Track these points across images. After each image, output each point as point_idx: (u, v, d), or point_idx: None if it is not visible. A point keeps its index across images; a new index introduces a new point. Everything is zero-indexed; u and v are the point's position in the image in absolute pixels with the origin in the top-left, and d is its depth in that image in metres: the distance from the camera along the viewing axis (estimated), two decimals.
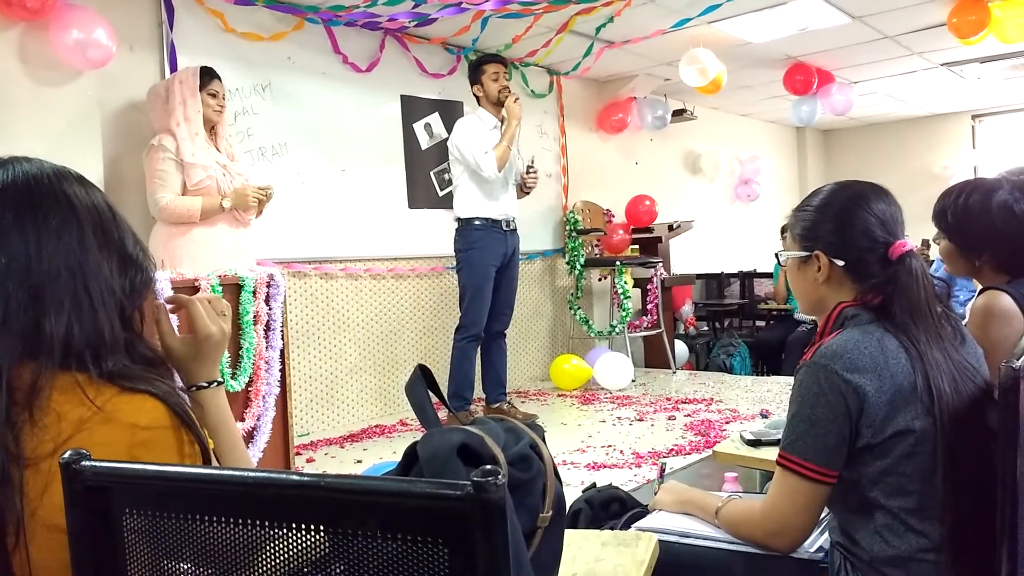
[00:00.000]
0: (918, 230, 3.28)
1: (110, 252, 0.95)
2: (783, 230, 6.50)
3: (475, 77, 4.17)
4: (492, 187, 4.06)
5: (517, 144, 4.16)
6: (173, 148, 3.20)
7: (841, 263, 1.43)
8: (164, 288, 2.57)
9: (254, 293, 2.95)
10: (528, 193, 4.33)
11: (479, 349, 4.20)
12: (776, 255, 1.57)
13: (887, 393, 1.30)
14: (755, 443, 2.10)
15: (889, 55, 5.90)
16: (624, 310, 5.50)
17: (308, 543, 0.67)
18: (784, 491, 1.35)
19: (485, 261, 4.07)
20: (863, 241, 1.41)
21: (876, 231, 1.41)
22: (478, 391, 4.31)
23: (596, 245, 6.00)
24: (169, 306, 1.11)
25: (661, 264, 5.86)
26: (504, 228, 4.13)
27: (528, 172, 4.25)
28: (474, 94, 4.20)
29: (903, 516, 1.31)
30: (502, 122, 4.09)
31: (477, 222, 4.08)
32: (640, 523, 1.59)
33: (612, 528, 1.57)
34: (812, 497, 1.33)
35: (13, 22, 3.11)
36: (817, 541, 1.46)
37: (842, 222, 1.44)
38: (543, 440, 1.04)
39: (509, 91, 4.10)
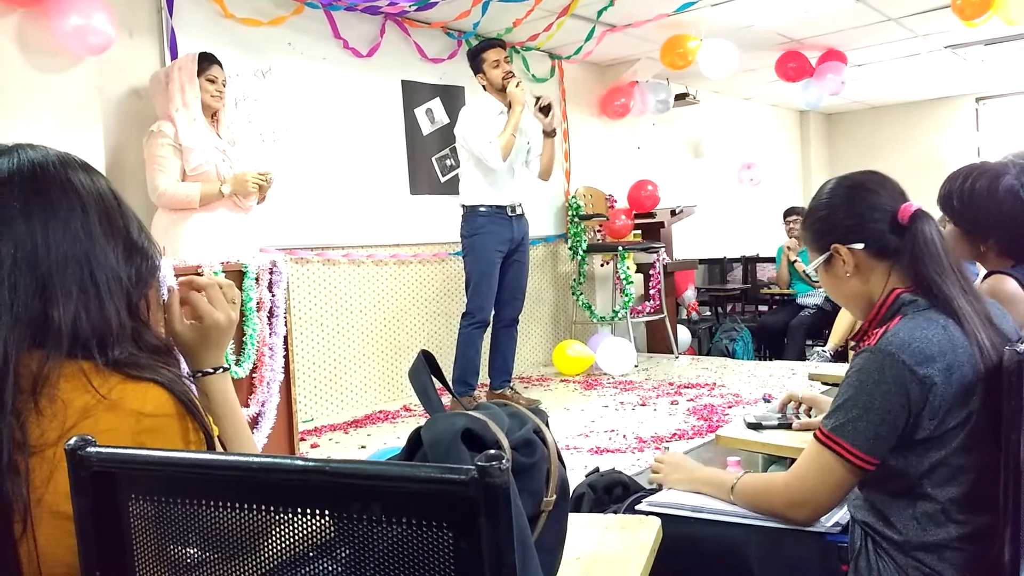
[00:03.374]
0: None
1: (115, 240, 0.95)
2: (786, 214, 6.48)
3: (477, 66, 4.10)
4: (498, 174, 4.03)
5: (524, 128, 4.10)
6: (172, 134, 3.20)
7: (860, 246, 1.43)
8: (167, 275, 2.57)
9: (257, 280, 2.95)
10: (552, 135, 4.11)
11: (488, 335, 4.19)
12: (805, 273, 1.59)
13: (955, 384, 1.28)
14: (757, 427, 2.10)
15: (892, 37, 5.86)
16: (626, 295, 5.50)
17: (313, 528, 0.67)
18: (817, 467, 1.34)
19: (490, 247, 4.04)
20: (872, 215, 1.42)
21: (882, 202, 1.42)
22: (482, 377, 4.31)
23: (598, 230, 5.99)
24: (180, 289, 1.12)
25: (664, 249, 5.85)
26: (510, 214, 4.10)
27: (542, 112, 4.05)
28: (479, 83, 4.15)
29: (947, 506, 1.29)
30: (509, 107, 4.04)
31: (482, 208, 4.05)
32: (651, 498, 1.58)
33: (615, 512, 1.57)
34: (845, 479, 1.33)
35: (11, 8, 3.09)
36: (834, 516, 1.44)
37: (847, 206, 1.45)
38: (546, 425, 1.04)
39: (512, 75, 4.04)
